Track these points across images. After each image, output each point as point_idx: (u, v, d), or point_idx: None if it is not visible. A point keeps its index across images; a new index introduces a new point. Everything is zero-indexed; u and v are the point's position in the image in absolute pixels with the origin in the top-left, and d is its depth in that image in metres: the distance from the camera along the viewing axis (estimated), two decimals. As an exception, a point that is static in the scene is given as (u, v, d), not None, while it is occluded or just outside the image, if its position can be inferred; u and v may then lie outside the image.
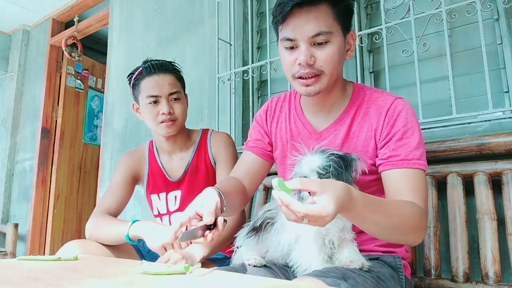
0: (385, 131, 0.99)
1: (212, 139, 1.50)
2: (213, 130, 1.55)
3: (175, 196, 1.49)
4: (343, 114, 1.06)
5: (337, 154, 0.89)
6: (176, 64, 1.48)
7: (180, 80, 1.47)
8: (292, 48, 0.98)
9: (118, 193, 1.47)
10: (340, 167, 0.88)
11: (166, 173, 1.50)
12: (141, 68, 1.43)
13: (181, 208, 1.47)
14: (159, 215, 1.52)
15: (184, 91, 1.49)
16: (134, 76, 1.44)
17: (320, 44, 0.95)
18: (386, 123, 1.00)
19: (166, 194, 1.50)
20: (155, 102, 1.38)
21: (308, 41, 0.95)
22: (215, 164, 1.46)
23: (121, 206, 1.47)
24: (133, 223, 1.26)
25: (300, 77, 0.98)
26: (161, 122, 1.39)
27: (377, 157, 1.01)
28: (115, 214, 1.43)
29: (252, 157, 1.20)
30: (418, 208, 0.89)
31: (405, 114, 0.99)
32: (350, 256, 0.89)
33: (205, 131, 1.54)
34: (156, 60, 1.45)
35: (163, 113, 1.37)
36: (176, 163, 1.50)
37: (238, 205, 1.10)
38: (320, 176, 0.87)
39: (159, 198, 1.51)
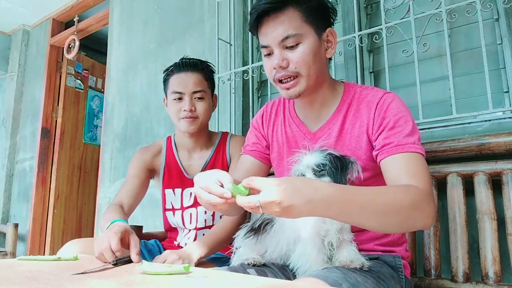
0: (376, 123, 0.99)
1: (231, 140, 1.55)
2: (232, 133, 1.61)
3: (190, 193, 1.51)
4: (335, 113, 1.07)
5: (334, 155, 0.89)
6: (210, 64, 1.52)
7: (208, 80, 1.50)
8: (269, 54, 1.02)
9: (131, 185, 1.48)
10: (336, 167, 0.88)
11: (184, 169, 1.53)
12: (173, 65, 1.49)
13: (195, 204, 1.50)
14: (172, 209, 1.54)
15: (213, 91, 1.53)
16: (166, 72, 1.50)
17: (291, 47, 0.98)
18: (376, 116, 1.00)
19: (182, 190, 1.52)
20: (179, 98, 1.43)
21: (279, 45, 0.99)
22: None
23: (135, 198, 1.46)
24: (111, 223, 1.25)
25: (280, 81, 1.01)
26: (182, 118, 1.43)
27: (374, 150, 1.00)
28: (128, 205, 1.42)
29: (250, 160, 1.21)
30: (414, 188, 0.85)
31: (395, 105, 0.99)
32: (350, 256, 0.89)
33: (224, 134, 1.59)
34: (189, 58, 1.49)
35: (184, 110, 1.42)
36: (195, 161, 1.54)
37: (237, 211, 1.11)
38: (316, 173, 0.88)
39: (174, 193, 1.53)
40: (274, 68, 1.00)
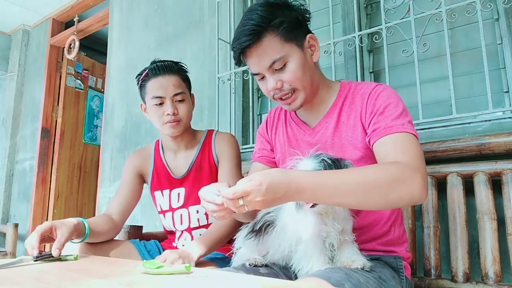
0: (368, 111, 1.03)
1: (216, 138, 1.53)
2: (218, 130, 1.57)
3: (178, 193, 1.50)
4: (332, 108, 1.11)
5: (329, 159, 0.89)
6: (182, 64, 1.50)
7: (186, 80, 1.49)
8: (262, 78, 1.06)
9: (122, 193, 1.50)
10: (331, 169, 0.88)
11: (170, 170, 1.52)
12: (147, 70, 1.45)
13: (185, 205, 1.49)
14: (162, 211, 1.54)
15: (190, 91, 1.52)
16: (141, 78, 1.47)
17: (280, 69, 1.02)
18: (368, 104, 1.03)
19: (170, 191, 1.52)
20: (160, 103, 1.41)
21: (268, 71, 1.03)
22: (218, 162, 1.48)
23: (127, 203, 1.49)
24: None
25: (280, 99, 1.06)
26: (166, 123, 1.42)
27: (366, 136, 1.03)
28: (120, 213, 1.45)
29: (259, 167, 1.24)
30: (398, 163, 0.86)
31: (386, 93, 1.02)
32: (351, 256, 0.89)
33: (210, 132, 1.57)
34: (162, 61, 1.46)
35: (167, 114, 1.40)
36: (180, 161, 1.52)
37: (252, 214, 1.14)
38: None
39: (162, 195, 1.53)
40: (270, 90, 1.05)
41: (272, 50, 1.00)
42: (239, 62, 1.06)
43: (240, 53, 1.03)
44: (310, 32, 1.08)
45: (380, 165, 0.90)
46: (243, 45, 1.00)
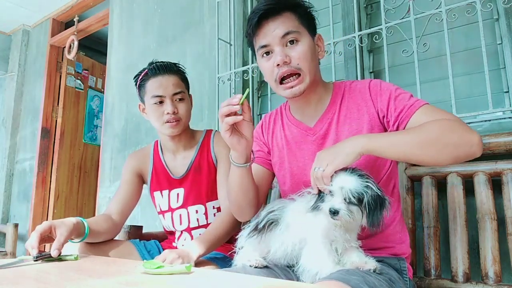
0: (378, 102, 1.06)
1: (215, 138, 1.53)
2: (216, 130, 1.58)
3: (178, 194, 1.50)
4: (330, 105, 1.13)
5: (374, 190, 0.84)
6: (180, 65, 1.51)
7: (184, 80, 1.50)
8: (268, 53, 1.08)
9: (122, 193, 1.50)
10: (375, 203, 0.83)
11: (170, 171, 1.52)
12: (146, 70, 1.46)
13: (184, 205, 1.49)
14: (161, 212, 1.54)
15: (188, 91, 1.53)
16: (140, 78, 1.47)
17: (291, 43, 1.05)
18: (374, 96, 1.07)
19: (169, 192, 1.52)
20: (160, 102, 1.42)
21: (280, 42, 1.05)
22: (217, 162, 1.48)
23: (127, 203, 1.49)
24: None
25: (282, 81, 1.07)
26: (166, 122, 1.42)
27: (389, 126, 1.05)
28: (120, 212, 1.46)
29: (255, 168, 1.23)
30: (450, 119, 0.93)
31: (385, 84, 1.10)
32: (362, 259, 0.88)
33: (208, 132, 1.57)
34: (161, 61, 1.48)
35: (167, 113, 1.41)
36: (179, 161, 1.53)
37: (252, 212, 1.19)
38: (349, 201, 0.83)
39: (162, 195, 1.53)
40: (278, 65, 1.04)
41: (289, 23, 1.05)
42: (254, 30, 1.07)
43: (258, 20, 1.04)
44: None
45: (437, 120, 0.94)
46: (264, 8, 1.04)
